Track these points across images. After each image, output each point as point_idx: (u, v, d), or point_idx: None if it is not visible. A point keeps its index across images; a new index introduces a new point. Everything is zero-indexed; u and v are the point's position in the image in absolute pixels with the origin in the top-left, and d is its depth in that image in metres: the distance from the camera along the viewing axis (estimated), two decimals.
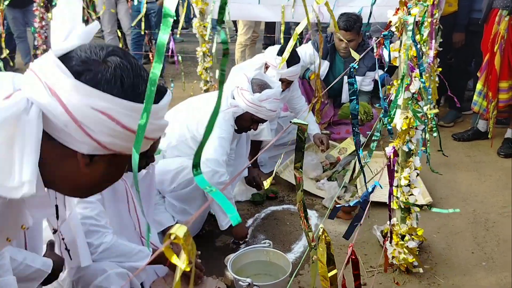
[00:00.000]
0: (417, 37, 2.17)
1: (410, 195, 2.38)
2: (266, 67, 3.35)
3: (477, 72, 4.12)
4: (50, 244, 1.72)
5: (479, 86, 4.00)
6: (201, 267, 2.24)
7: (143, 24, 5.29)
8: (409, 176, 2.36)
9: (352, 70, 1.36)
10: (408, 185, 2.38)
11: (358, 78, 3.99)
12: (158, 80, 0.64)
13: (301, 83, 3.92)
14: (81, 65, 0.86)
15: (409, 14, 2.05)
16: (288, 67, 3.26)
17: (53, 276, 1.64)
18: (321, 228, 0.86)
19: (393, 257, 2.47)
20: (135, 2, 5.06)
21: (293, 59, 3.31)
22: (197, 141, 2.72)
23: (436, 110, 3.42)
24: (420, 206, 2.44)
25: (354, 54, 1.56)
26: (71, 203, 1.81)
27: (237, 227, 2.71)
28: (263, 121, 2.77)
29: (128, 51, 0.97)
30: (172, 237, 0.43)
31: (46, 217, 0.96)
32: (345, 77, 1.50)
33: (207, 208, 2.69)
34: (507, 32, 3.68)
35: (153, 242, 2.33)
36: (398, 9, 2.17)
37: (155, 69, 0.57)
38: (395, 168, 2.28)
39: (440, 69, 4.12)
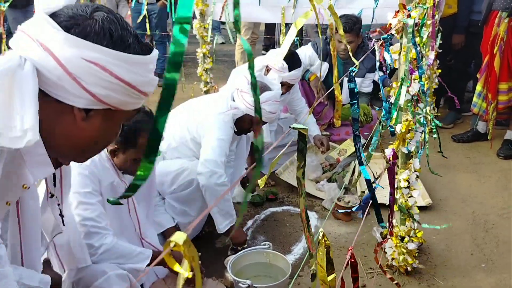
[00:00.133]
0: (417, 39, 2.18)
1: (410, 197, 2.39)
2: (267, 69, 3.35)
3: (476, 74, 4.13)
4: (46, 262, 1.73)
5: (478, 87, 4.01)
6: (201, 268, 2.24)
7: (147, 25, 5.31)
8: (408, 178, 2.37)
9: (352, 73, 1.37)
10: (408, 187, 2.39)
11: (357, 80, 4.00)
12: (145, 37, 0.64)
13: (301, 84, 3.93)
14: (69, 20, 0.88)
15: (409, 16, 2.05)
16: (289, 71, 3.27)
17: None
18: (321, 232, 0.87)
19: (392, 258, 2.48)
20: (133, 5, 5.06)
21: (295, 63, 3.32)
22: (197, 143, 2.72)
23: (439, 114, 3.42)
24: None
25: (354, 59, 1.56)
26: (67, 206, 1.81)
27: (235, 232, 2.67)
28: (263, 123, 2.77)
29: None
30: (172, 244, 0.44)
31: (46, 176, 0.96)
32: (345, 79, 1.51)
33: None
34: (507, 34, 3.68)
35: (153, 244, 2.33)
36: (397, 12, 2.17)
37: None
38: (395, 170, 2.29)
39: (439, 70, 4.13)
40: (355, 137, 1.42)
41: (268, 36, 7.27)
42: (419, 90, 2.22)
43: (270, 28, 7.26)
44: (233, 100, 2.72)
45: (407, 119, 2.24)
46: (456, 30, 4.42)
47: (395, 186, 2.34)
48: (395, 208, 2.43)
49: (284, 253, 2.66)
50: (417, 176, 2.42)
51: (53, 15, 0.89)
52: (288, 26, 5.92)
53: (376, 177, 2.16)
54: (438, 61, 4.17)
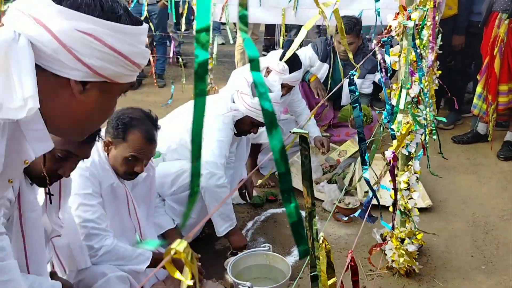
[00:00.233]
0: (417, 41, 2.18)
1: (410, 199, 2.39)
2: (268, 71, 3.35)
3: (477, 75, 4.13)
4: (52, 274, 1.74)
5: (478, 89, 4.01)
6: (201, 270, 2.24)
7: (150, 24, 5.33)
8: (408, 180, 2.37)
9: (352, 77, 1.37)
10: (408, 188, 2.39)
11: (357, 81, 4.00)
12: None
13: (301, 85, 3.93)
14: None
15: (409, 19, 2.05)
16: (290, 72, 3.27)
17: None
18: (322, 236, 0.87)
19: (392, 260, 2.48)
20: (132, 5, 5.06)
21: (296, 65, 3.32)
22: None
23: (442, 118, 3.41)
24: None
25: (354, 63, 1.57)
26: (66, 208, 1.81)
27: (235, 236, 2.62)
28: (263, 124, 2.77)
29: None
30: (173, 252, 0.44)
31: (46, 151, 0.97)
32: (345, 80, 1.51)
33: (207, 211, 2.69)
34: (507, 35, 3.69)
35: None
36: (398, 14, 2.18)
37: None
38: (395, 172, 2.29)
39: (439, 72, 4.12)
40: (359, 141, 1.42)
41: (268, 37, 7.27)
42: (420, 92, 2.22)
43: (270, 29, 7.26)
44: (233, 102, 2.72)
45: (407, 122, 2.25)
46: (456, 31, 4.42)
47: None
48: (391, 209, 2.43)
49: (284, 254, 2.66)
50: (417, 178, 2.42)
51: None
52: (288, 27, 5.93)
53: (376, 179, 2.16)
54: (438, 62, 4.17)
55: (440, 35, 4.05)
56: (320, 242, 0.87)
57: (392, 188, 2.09)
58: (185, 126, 2.77)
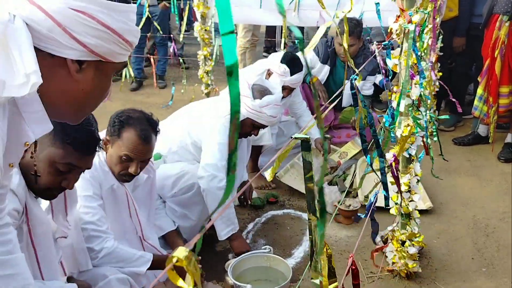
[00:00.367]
0: (418, 44, 2.18)
1: (411, 201, 2.39)
2: (269, 73, 3.36)
3: (477, 77, 4.13)
4: (69, 278, 1.75)
5: (479, 91, 4.01)
6: (202, 272, 2.24)
7: (159, 27, 5.33)
8: (409, 182, 2.37)
9: (353, 81, 1.37)
10: (409, 191, 2.39)
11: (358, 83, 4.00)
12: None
13: (301, 87, 3.93)
14: None
15: (410, 22, 2.05)
16: (291, 75, 3.27)
17: None
18: None
19: (393, 263, 2.48)
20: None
21: (297, 67, 3.32)
22: (198, 147, 2.72)
23: (446, 116, 3.41)
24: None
25: (355, 68, 1.57)
26: (74, 211, 1.82)
27: (237, 242, 2.61)
28: (264, 126, 2.77)
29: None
30: (175, 260, 0.44)
31: (46, 132, 0.98)
32: (346, 81, 1.51)
33: (208, 213, 2.69)
34: (508, 37, 3.69)
35: (155, 246, 2.33)
36: (398, 16, 2.18)
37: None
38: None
39: (440, 73, 4.12)
40: (364, 152, 1.43)
41: (269, 39, 7.27)
42: (420, 95, 2.22)
43: (271, 30, 7.27)
44: None
45: (408, 124, 2.25)
46: (457, 33, 4.43)
47: (396, 190, 2.34)
48: (396, 212, 2.43)
49: (285, 256, 2.66)
50: (418, 180, 2.42)
51: None
52: (289, 28, 5.93)
53: (376, 184, 2.16)
54: (439, 64, 4.17)
55: (440, 37, 4.06)
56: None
57: (396, 192, 2.09)
58: (185, 128, 2.77)
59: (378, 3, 2.25)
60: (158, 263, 2.07)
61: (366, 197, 2.83)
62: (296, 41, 6.03)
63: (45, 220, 1.63)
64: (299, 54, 3.88)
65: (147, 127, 2.06)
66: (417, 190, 2.41)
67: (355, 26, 3.84)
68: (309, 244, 0.86)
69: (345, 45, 1.50)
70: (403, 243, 2.43)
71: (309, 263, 0.83)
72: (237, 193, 3.06)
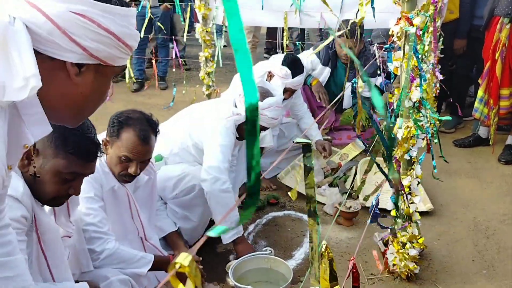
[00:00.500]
0: (419, 47, 2.18)
1: (411, 203, 2.39)
2: (270, 76, 3.36)
3: (478, 79, 4.13)
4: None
5: (480, 93, 4.02)
6: (203, 273, 2.25)
7: (163, 27, 5.34)
8: (410, 185, 2.37)
9: (354, 85, 1.38)
10: (409, 193, 2.39)
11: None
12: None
13: (302, 89, 3.94)
14: None
15: (411, 24, 2.06)
16: (293, 77, 3.28)
17: None
18: (324, 244, 0.88)
19: (394, 264, 2.48)
20: (139, 8, 5.08)
21: (298, 69, 3.33)
22: (199, 149, 2.73)
23: (447, 117, 3.40)
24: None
25: (357, 68, 1.57)
26: (76, 212, 1.84)
27: (242, 245, 2.62)
28: (265, 128, 2.78)
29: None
30: (177, 266, 0.44)
31: (45, 135, 0.98)
32: (347, 83, 1.52)
33: (209, 214, 2.70)
34: (508, 39, 3.69)
35: (157, 247, 2.34)
36: (399, 19, 2.18)
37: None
38: None
39: (441, 75, 4.12)
40: (370, 157, 1.43)
41: (270, 40, 7.28)
42: (421, 97, 2.22)
43: (272, 31, 7.27)
44: (235, 106, 2.72)
45: (408, 126, 2.25)
46: (457, 35, 4.43)
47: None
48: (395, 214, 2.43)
49: (286, 258, 2.66)
50: (419, 182, 2.42)
51: None
52: (290, 30, 5.93)
53: (377, 185, 2.16)
54: (439, 66, 4.17)
55: (441, 39, 4.06)
56: (323, 250, 0.88)
57: (399, 193, 2.10)
58: (187, 130, 2.78)
59: (374, 8, 2.26)
60: (159, 264, 2.08)
61: (366, 197, 2.83)
62: (297, 42, 6.04)
63: (53, 226, 1.65)
64: (300, 56, 3.89)
65: (146, 127, 2.07)
66: (417, 192, 2.41)
67: (356, 28, 3.84)
68: (310, 249, 0.87)
69: (348, 50, 1.51)
70: (403, 245, 2.43)
71: (309, 269, 0.84)
72: (238, 194, 3.11)
